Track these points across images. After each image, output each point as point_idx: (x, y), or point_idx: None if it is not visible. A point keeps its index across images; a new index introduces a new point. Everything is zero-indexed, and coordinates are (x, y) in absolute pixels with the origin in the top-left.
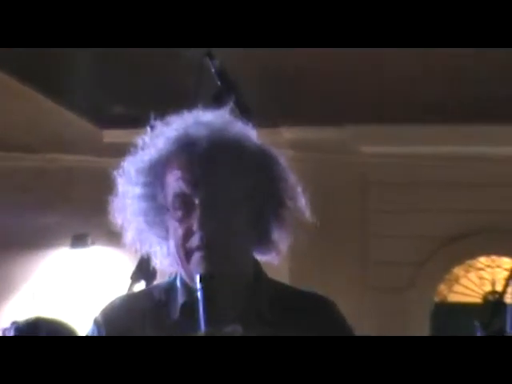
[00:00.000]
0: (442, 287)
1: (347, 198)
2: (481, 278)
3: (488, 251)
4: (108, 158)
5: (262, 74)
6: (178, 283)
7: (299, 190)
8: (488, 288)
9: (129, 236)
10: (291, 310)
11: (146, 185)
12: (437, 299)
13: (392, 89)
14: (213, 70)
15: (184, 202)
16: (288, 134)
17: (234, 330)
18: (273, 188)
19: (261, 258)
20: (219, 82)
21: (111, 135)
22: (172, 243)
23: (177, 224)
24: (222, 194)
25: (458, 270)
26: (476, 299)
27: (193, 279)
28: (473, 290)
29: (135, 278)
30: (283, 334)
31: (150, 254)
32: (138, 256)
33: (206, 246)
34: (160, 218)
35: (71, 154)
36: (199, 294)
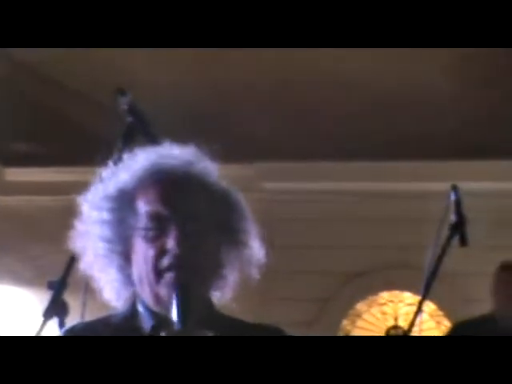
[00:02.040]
0: (346, 322)
1: None
2: (383, 313)
3: (390, 286)
4: (11, 196)
5: (172, 112)
6: (141, 309)
7: (256, 230)
8: (391, 323)
9: (86, 261)
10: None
11: (113, 210)
12: (341, 334)
13: (295, 126)
14: (125, 107)
15: (158, 222)
16: None
17: (204, 333)
18: (234, 225)
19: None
20: (130, 118)
21: (15, 173)
22: (138, 268)
23: (148, 245)
24: (193, 219)
25: (361, 306)
26: (379, 334)
27: (159, 300)
28: (376, 325)
29: (48, 315)
30: None
31: (105, 283)
32: (48, 294)
33: (179, 265)
34: (122, 247)
35: None
36: (174, 301)
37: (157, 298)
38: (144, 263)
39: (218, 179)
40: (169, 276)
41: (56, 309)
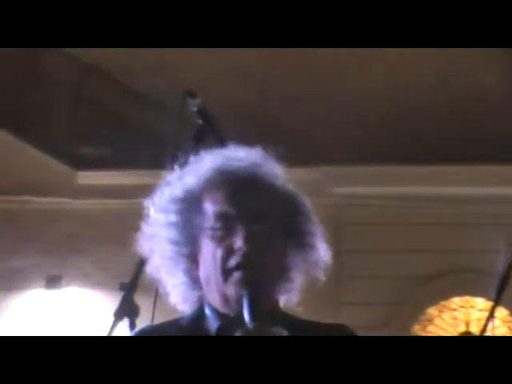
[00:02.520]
0: (416, 327)
1: None
2: (455, 318)
3: (462, 292)
4: (82, 200)
5: (240, 114)
6: (208, 311)
7: (322, 232)
8: (462, 329)
9: (153, 265)
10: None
11: (180, 212)
12: None
13: (365, 130)
14: (195, 109)
15: (226, 222)
16: None
17: (278, 331)
18: (300, 227)
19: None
20: (200, 121)
21: (86, 177)
22: (205, 269)
23: (216, 245)
24: (260, 220)
25: (432, 311)
26: None
27: (226, 300)
28: (447, 331)
29: (119, 315)
30: None
31: (171, 287)
32: (118, 295)
33: (247, 264)
34: (189, 250)
35: (45, 195)
36: (244, 298)
37: (224, 298)
38: (212, 263)
39: (284, 181)
40: (237, 275)
41: (126, 310)
